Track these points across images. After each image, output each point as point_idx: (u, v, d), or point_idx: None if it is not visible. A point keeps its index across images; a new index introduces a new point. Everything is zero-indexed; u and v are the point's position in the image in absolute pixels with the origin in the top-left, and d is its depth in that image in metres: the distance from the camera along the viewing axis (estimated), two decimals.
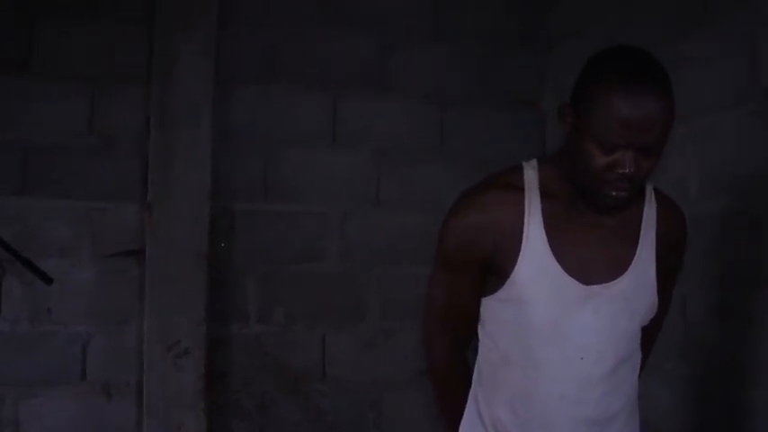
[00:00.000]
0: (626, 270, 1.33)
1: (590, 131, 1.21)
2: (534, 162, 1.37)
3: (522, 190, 1.32)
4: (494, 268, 1.33)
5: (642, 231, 1.36)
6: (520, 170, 1.36)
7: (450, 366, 1.45)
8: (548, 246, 1.29)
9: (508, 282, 1.31)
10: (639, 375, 1.40)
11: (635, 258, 1.34)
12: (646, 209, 1.37)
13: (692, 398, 2.09)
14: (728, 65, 1.94)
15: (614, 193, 1.24)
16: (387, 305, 2.75)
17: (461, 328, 1.42)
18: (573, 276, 1.30)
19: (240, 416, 2.65)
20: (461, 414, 1.44)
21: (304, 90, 2.71)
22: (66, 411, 2.49)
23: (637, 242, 1.35)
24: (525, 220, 1.30)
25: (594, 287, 1.31)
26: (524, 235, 1.29)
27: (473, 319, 1.40)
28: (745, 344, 1.89)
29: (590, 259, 1.31)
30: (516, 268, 1.29)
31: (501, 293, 1.33)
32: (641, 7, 2.31)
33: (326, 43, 2.73)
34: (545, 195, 1.32)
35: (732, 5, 1.93)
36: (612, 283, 1.32)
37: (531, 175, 1.34)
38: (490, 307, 1.37)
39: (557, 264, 1.29)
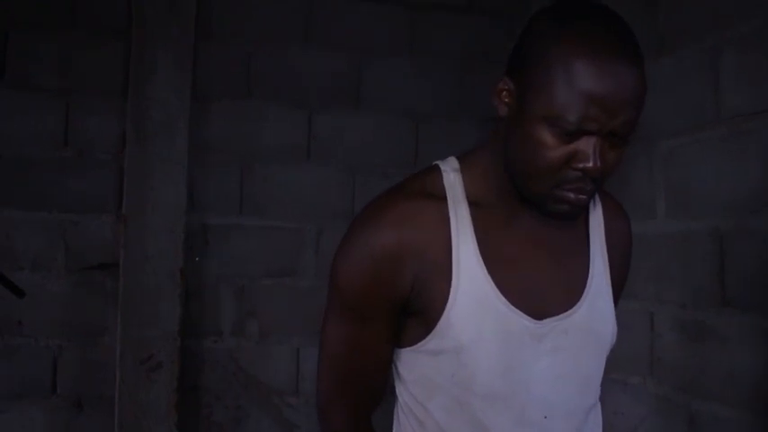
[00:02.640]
0: (582, 292, 1.04)
1: (540, 113, 0.91)
2: (453, 161, 1.06)
3: (444, 199, 1.00)
4: (415, 310, 0.99)
5: (591, 239, 1.08)
6: (436, 173, 1.04)
7: None
8: (485, 272, 0.97)
9: (438, 327, 0.97)
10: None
11: (589, 275, 1.05)
12: (590, 209, 1.09)
13: (659, 412, 2.13)
14: (692, 89, 2.00)
15: (572, 196, 0.94)
16: None
17: (367, 393, 1.07)
18: (522, 310, 0.99)
19: (213, 430, 2.64)
20: None
21: (279, 105, 2.74)
22: (37, 425, 2.47)
23: (587, 254, 1.07)
24: (454, 241, 0.97)
25: (549, 321, 1.01)
26: (454, 261, 0.96)
27: (383, 379, 1.06)
28: (709, 359, 1.93)
29: (538, 285, 1.01)
30: (448, 307, 0.96)
31: (429, 343, 0.99)
32: None
33: (302, 59, 2.76)
34: (474, 204, 1.00)
35: (693, 31, 1.99)
36: (570, 311, 1.02)
37: (452, 178, 1.02)
38: (412, 362, 1.02)
39: (499, 295, 0.97)
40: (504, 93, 0.97)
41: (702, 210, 1.96)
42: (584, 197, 0.95)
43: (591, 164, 0.91)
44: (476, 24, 2.93)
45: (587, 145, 0.91)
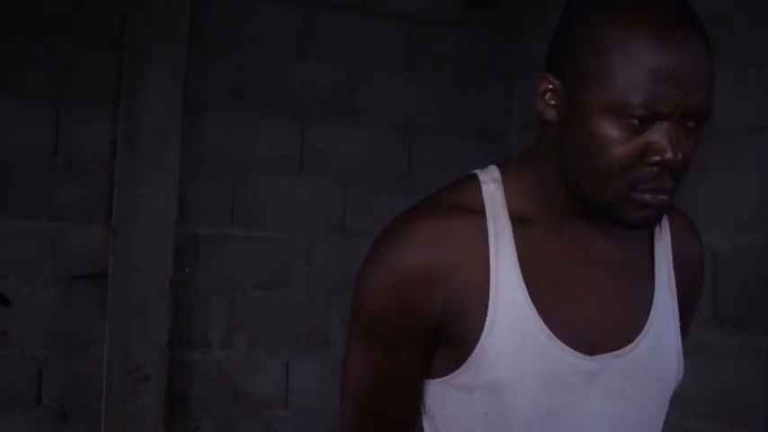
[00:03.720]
0: (644, 323, 0.89)
1: (601, 104, 0.79)
2: (494, 170, 0.93)
3: (482, 213, 0.88)
4: (447, 338, 0.87)
5: (657, 261, 0.93)
6: (474, 183, 0.92)
7: None
8: (528, 298, 0.85)
9: (472, 359, 0.85)
10: None
11: (653, 303, 0.91)
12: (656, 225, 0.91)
13: None
14: None
15: (651, 198, 0.81)
16: None
17: (393, 428, 0.95)
18: (569, 344, 0.85)
19: None
20: None
21: (272, 117, 2.73)
22: None
23: (651, 277, 0.92)
24: (492, 262, 0.85)
25: (602, 358, 0.87)
26: (492, 284, 0.84)
27: (411, 414, 0.95)
28: (703, 376, 1.93)
29: (591, 315, 0.87)
30: (483, 337, 0.84)
31: (461, 376, 0.87)
32: None
33: (296, 71, 2.75)
34: (516, 220, 0.88)
35: None
36: (628, 347, 0.88)
37: (492, 190, 0.90)
38: (441, 396, 0.91)
39: (544, 326, 0.85)
40: (549, 94, 0.85)
41: (698, 226, 1.96)
42: (665, 197, 0.81)
43: (669, 154, 0.77)
44: (471, 38, 2.93)
45: (661, 133, 0.78)
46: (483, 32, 2.95)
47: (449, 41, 2.91)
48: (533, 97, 0.87)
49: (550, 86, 0.85)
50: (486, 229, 0.87)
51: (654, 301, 0.90)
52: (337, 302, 2.75)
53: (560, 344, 0.85)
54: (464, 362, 0.86)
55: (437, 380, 0.90)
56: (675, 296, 0.93)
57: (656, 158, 0.78)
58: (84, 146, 2.55)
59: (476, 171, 0.94)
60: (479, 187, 0.91)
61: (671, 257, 0.94)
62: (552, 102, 0.85)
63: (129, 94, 2.53)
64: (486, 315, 0.84)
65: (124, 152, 2.51)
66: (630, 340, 0.88)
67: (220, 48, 2.69)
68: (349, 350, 0.93)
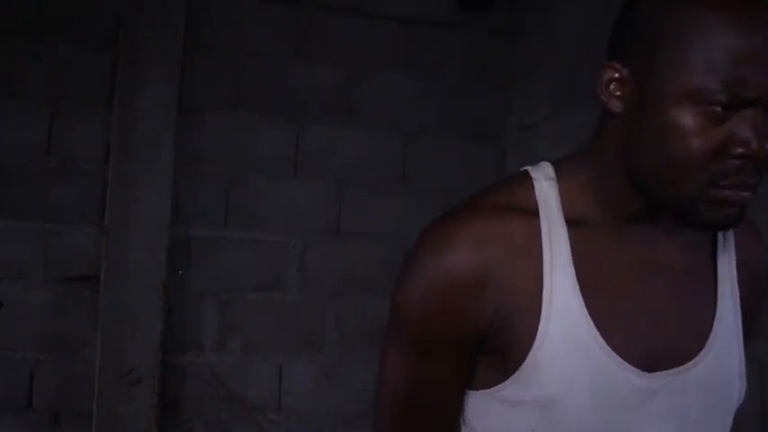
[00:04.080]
0: (706, 339, 0.83)
1: (677, 91, 0.72)
2: (547, 167, 0.87)
3: (535, 214, 0.82)
4: (494, 348, 0.81)
5: (719, 270, 0.86)
6: (526, 181, 0.85)
7: None
8: (583, 307, 0.79)
9: (520, 371, 0.79)
10: None
11: (717, 316, 0.84)
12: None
13: None
14: None
15: (733, 195, 0.74)
16: (345, 336, 2.75)
17: None
18: (627, 360, 0.79)
19: None
20: None
21: (267, 118, 2.72)
22: None
23: (714, 288, 0.85)
24: (545, 267, 0.79)
25: (662, 375, 0.81)
26: (545, 292, 0.79)
27: (450, 424, 0.89)
28: None
29: (650, 328, 0.81)
30: (534, 348, 0.78)
31: (507, 389, 0.81)
32: (598, 50, 2.38)
33: (293, 72, 2.75)
34: (572, 222, 0.82)
35: None
36: (689, 364, 0.82)
37: (546, 188, 0.83)
38: (484, 408, 0.85)
39: (599, 337, 0.79)
40: (614, 83, 0.79)
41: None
42: (748, 194, 0.74)
43: (755, 146, 0.70)
44: (469, 41, 2.93)
45: (745, 123, 0.71)
46: (481, 35, 2.95)
47: (447, 44, 2.91)
48: (599, 86, 0.80)
49: (616, 75, 0.79)
50: (540, 231, 0.80)
51: (717, 315, 0.84)
52: (332, 305, 2.74)
53: (617, 359, 0.79)
54: (512, 374, 0.80)
55: (480, 391, 0.84)
56: (739, 309, 0.86)
57: (741, 151, 0.72)
58: (78, 147, 2.53)
59: (527, 168, 0.88)
60: (532, 185, 0.84)
61: (735, 268, 0.87)
62: (618, 92, 0.79)
63: (123, 95, 2.52)
64: (537, 325, 0.78)
65: (118, 153, 2.50)
66: (691, 357, 0.82)
67: (216, 48, 2.68)
68: (387, 356, 0.87)
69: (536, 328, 0.78)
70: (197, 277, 2.62)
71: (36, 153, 2.50)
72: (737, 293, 0.86)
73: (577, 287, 0.79)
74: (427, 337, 0.82)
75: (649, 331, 0.81)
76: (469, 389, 0.86)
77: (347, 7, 2.81)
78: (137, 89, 2.51)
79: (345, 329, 2.74)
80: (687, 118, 0.72)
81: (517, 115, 2.90)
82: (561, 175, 0.85)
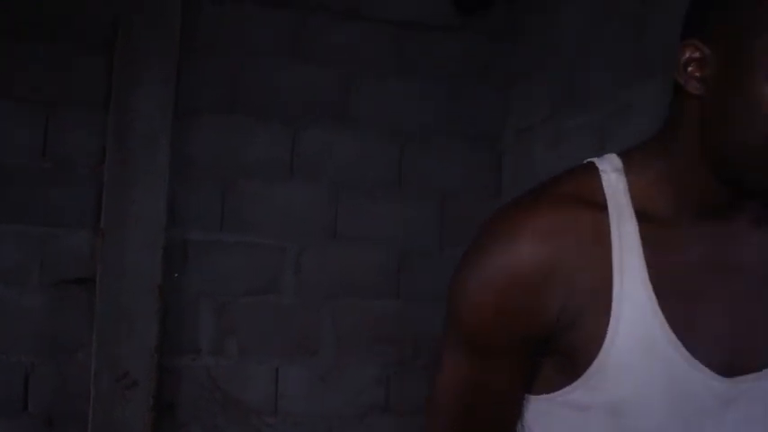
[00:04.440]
0: None
1: None
2: (615, 159, 0.81)
3: (603, 207, 0.76)
4: (559, 349, 0.76)
5: None
6: (592, 173, 0.80)
7: None
8: (657, 307, 0.73)
9: (589, 373, 0.74)
10: None
11: None
12: None
13: None
14: None
15: None
16: (341, 339, 2.74)
17: None
18: (704, 363, 0.74)
19: None
20: None
21: (263, 121, 2.72)
22: None
23: None
24: (615, 263, 0.74)
25: (742, 380, 0.75)
26: (615, 289, 0.73)
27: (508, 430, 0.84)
28: None
29: (729, 329, 0.76)
30: (605, 349, 0.73)
31: (573, 393, 0.76)
32: (597, 51, 2.38)
33: (287, 75, 2.74)
34: (642, 216, 0.76)
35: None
36: None
37: (614, 181, 0.78)
38: (545, 415, 0.80)
39: (674, 339, 0.73)
40: (694, 64, 0.73)
41: None
42: None
43: None
44: (466, 43, 2.93)
45: None
46: (478, 38, 2.95)
47: (444, 46, 2.91)
48: (679, 67, 0.73)
49: (696, 55, 0.73)
50: (608, 225, 0.75)
51: None
52: (328, 309, 2.74)
53: (693, 361, 0.73)
54: (578, 377, 0.74)
55: (543, 396, 0.79)
56: None
57: None
58: (74, 149, 2.52)
59: (592, 159, 0.82)
60: (599, 177, 0.78)
61: None
62: (698, 73, 0.73)
63: (119, 98, 2.51)
64: (607, 324, 0.72)
65: (114, 156, 2.49)
66: None
67: (213, 51, 2.67)
68: (442, 360, 0.81)
69: (605, 328, 0.72)
70: (193, 280, 2.61)
71: (32, 155, 2.49)
72: None
73: (649, 285, 0.73)
74: (488, 337, 0.76)
75: (728, 333, 0.75)
76: (530, 393, 0.81)
77: (344, 10, 2.80)
78: (133, 89, 2.50)
79: (342, 333, 2.74)
80: None
81: (515, 117, 2.90)
82: (630, 167, 0.79)
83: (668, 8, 2.05)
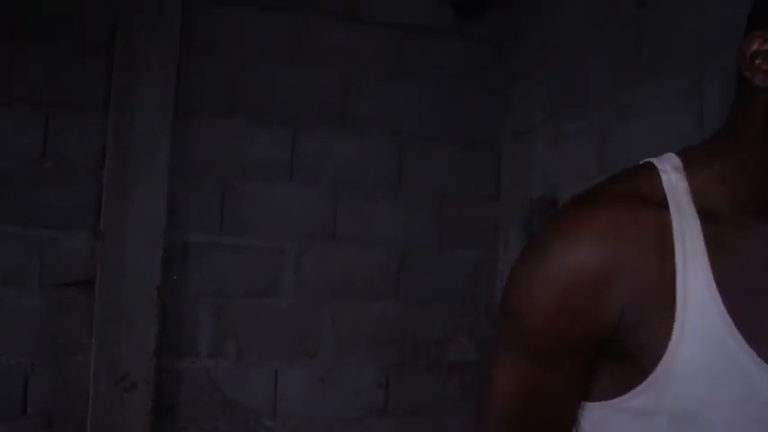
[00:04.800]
0: None
1: None
2: (673, 158, 0.79)
3: (664, 206, 0.74)
4: (621, 352, 0.73)
5: None
6: (651, 172, 0.78)
7: None
8: (723, 308, 0.71)
9: (653, 377, 0.71)
10: None
11: None
12: None
13: None
14: (675, 117, 2.01)
15: None
16: (341, 341, 2.74)
17: None
18: None
19: None
20: None
21: (263, 123, 2.71)
22: None
23: None
24: (678, 263, 0.72)
25: None
26: (679, 289, 0.71)
27: None
28: None
29: None
30: (670, 351, 0.70)
31: (637, 398, 0.73)
32: (597, 53, 2.38)
33: (287, 77, 2.74)
34: (704, 215, 0.74)
35: (679, 58, 2.00)
36: None
37: (674, 180, 0.76)
38: (608, 422, 0.76)
39: (742, 341, 0.70)
40: (761, 57, 0.71)
41: None
42: None
43: None
44: (464, 47, 2.93)
45: None
46: (477, 40, 2.95)
47: (442, 50, 2.91)
48: (744, 62, 0.71)
49: (765, 47, 0.70)
50: (670, 225, 0.72)
51: None
52: (327, 310, 2.73)
53: (763, 364, 0.70)
54: (641, 381, 0.71)
55: (602, 402, 0.76)
56: None
57: None
58: (73, 151, 2.52)
59: (650, 159, 0.80)
60: (658, 176, 0.76)
61: None
62: (765, 66, 0.70)
63: (119, 99, 2.51)
64: (671, 325, 0.70)
65: (113, 157, 2.49)
66: None
67: (213, 52, 2.67)
68: (496, 365, 0.78)
69: (670, 330, 0.70)
70: (192, 282, 2.61)
71: (31, 156, 2.49)
72: None
73: (714, 286, 0.71)
74: (549, 338, 0.73)
75: None
76: (587, 400, 0.77)
77: (344, 12, 2.81)
78: (133, 90, 2.50)
79: (341, 334, 2.74)
80: None
81: (515, 118, 2.90)
82: (690, 166, 0.76)
83: (668, 8, 2.06)
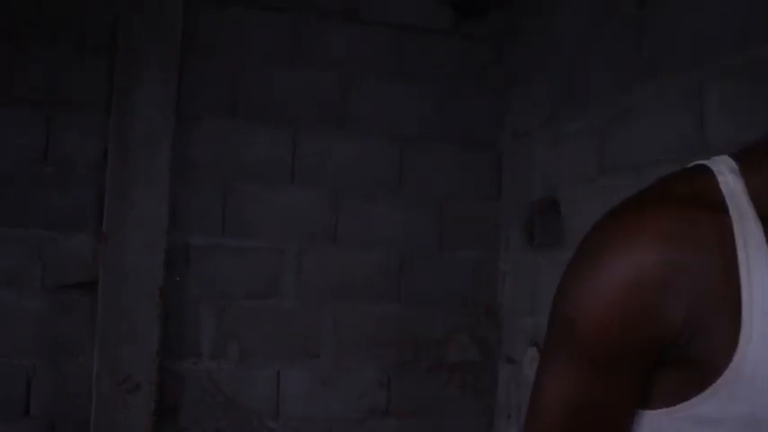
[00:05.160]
0: None
1: None
2: (728, 160, 0.76)
3: (723, 209, 0.72)
4: (683, 358, 0.71)
5: None
6: (706, 174, 0.75)
7: None
8: None
9: (721, 382, 0.69)
10: None
11: None
12: None
13: None
14: (676, 117, 2.01)
15: None
16: (342, 342, 2.74)
17: None
18: None
19: None
20: None
21: (263, 124, 2.72)
22: None
23: None
24: (742, 268, 0.69)
25: None
26: (744, 293, 0.69)
27: None
28: None
29: None
30: (738, 356, 0.68)
31: (703, 405, 0.70)
32: (597, 53, 2.39)
33: (287, 77, 2.75)
34: (764, 219, 0.72)
35: (679, 59, 2.00)
36: None
37: (731, 183, 0.73)
38: (666, 429, 0.73)
39: None
40: None
41: None
42: None
43: None
44: (464, 47, 2.94)
45: None
46: (477, 40, 2.96)
47: (442, 50, 2.91)
48: None
49: None
50: (731, 228, 0.70)
51: None
52: (329, 311, 2.74)
53: None
54: (706, 388, 0.69)
55: (662, 410, 0.73)
56: None
57: None
58: (75, 152, 2.53)
59: (702, 161, 0.77)
60: (714, 178, 0.73)
61: None
62: None
63: (120, 100, 2.51)
64: (737, 330, 0.67)
65: (115, 159, 2.49)
66: None
67: (213, 53, 2.68)
68: (546, 374, 0.75)
69: (736, 335, 0.67)
70: (194, 283, 2.62)
71: (33, 157, 2.49)
72: None
73: None
74: (608, 348, 0.70)
75: None
76: (644, 408, 0.74)
77: (344, 12, 2.81)
78: (133, 93, 2.51)
79: (343, 335, 2.74)
80: None
81: (515, 119, 2.91)
82: (745, 168, 0.73)
83: (668, 8, 2.06)
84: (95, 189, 2.52)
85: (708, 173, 0.74)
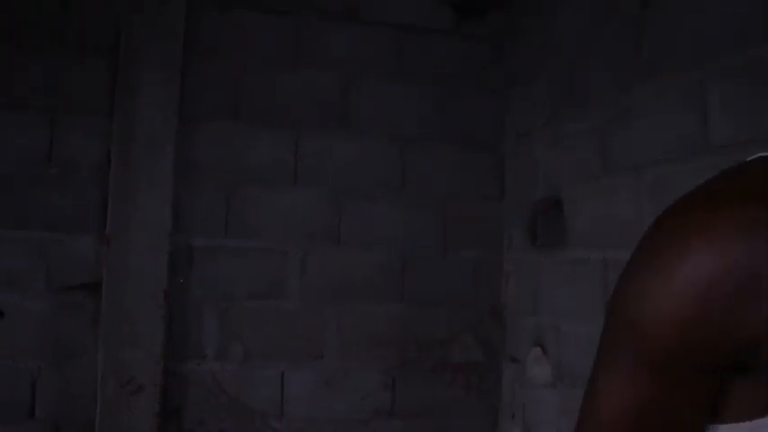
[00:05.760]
0: None
1: None
2: None
3: None
4: (764, 367, 0.64)
5: None
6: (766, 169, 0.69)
7: None
8: None
9: None
10: None
11: None
12: None
13: None
14: (676, 117, 2.01)
15: None
16: (345, 343, 2.75)
17: None
18: None
19: None
20: None
21: (266, 126, 2.73)
22: None
23: None
24: None
25: None
26: None
27: None
28: None
29: None
30: None
31: None
32: (597, 54, 2.39)
33: (289, 80, 2.75)
34: None
35: (679, 59, 2.01)
36: None
37: None
38: None
39: None
40: None
41: None
42: None
43: None
44: (465, 48, 2.94)
45: None
46: (477, 43, 2.96)
47: (443, 51, 2.92)
48: None
49: None
50: None
51: None
52: (332, 312, 2.74)
53: None
54: None
55: (737, 424, 0.66)
56: None
57: None
58: (78, 155, 2.53)
59: (763, 154, 0.71)
60: None
61: None
62: None
63: (123, 103, 2.52)
64: None
65: (118, 161, 2.50)
66: None
67: (215, 57, 2.68)
68: (604, 383, 0.69)
69: None
70: (198, 285, 2.62)
71: (36, 161, 2.50)
72: None
73: None
74: (675, 355, 0.64)
75: None
76: (716, 422, 0.67)
77: (344, 12, 2.82)
78: (137, 93, 2.51)
79: (346, 336, 2.75)
80: None
81: (516, 119, 2.91)
82: None
83: (668, 8, 2.06)
84: (98, 191, 2.52)
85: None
